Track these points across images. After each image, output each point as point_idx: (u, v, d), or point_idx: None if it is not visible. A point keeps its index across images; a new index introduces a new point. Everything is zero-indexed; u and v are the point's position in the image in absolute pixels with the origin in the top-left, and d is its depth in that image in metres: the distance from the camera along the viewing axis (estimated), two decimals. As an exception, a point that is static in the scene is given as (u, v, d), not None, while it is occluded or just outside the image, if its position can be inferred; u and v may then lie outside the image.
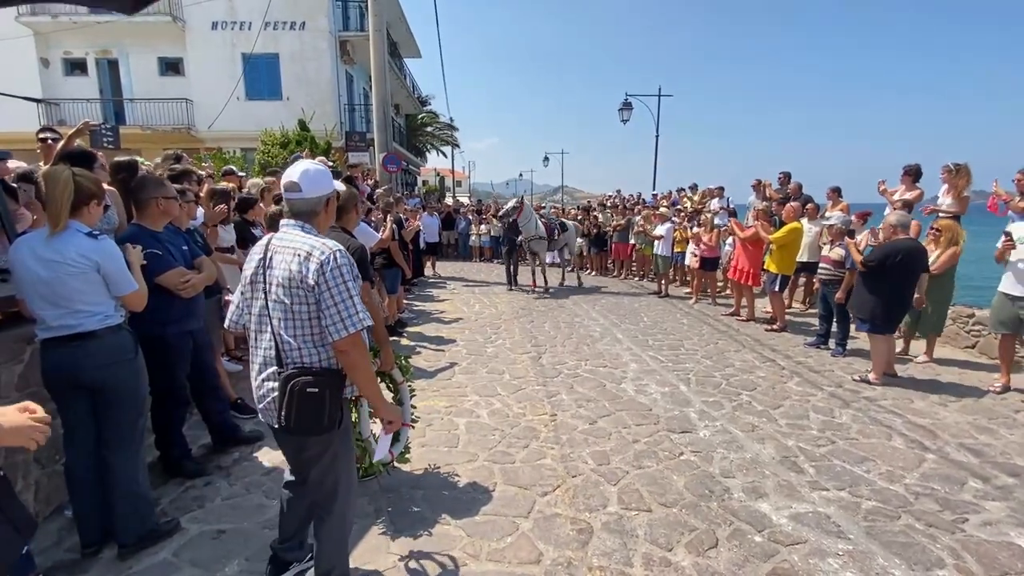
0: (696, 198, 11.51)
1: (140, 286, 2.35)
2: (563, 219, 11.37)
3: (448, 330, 6.87)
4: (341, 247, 1.74)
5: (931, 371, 5.19)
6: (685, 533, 2.61)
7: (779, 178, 8.90)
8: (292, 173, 1.77)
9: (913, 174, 6.37)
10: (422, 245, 10.96)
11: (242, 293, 1.87)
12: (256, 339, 1.82)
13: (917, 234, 5.44)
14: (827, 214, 7.45)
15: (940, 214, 6.03)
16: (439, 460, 3.35)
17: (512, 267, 9.94)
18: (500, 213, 9.50)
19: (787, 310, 7.38)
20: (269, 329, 1.76)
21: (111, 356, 2.27)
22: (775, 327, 6.86)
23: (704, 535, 2.59)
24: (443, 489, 3.02)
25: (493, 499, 2.90)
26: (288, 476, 2.09)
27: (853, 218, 6.77)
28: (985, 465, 3.31)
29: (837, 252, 5.65)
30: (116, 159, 3.77)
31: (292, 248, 1.71)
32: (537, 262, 9.87)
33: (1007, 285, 4.46)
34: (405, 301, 8.20)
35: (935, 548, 2.49)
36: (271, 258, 1.75)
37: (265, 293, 1.76)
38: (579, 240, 12.18)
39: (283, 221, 1.80)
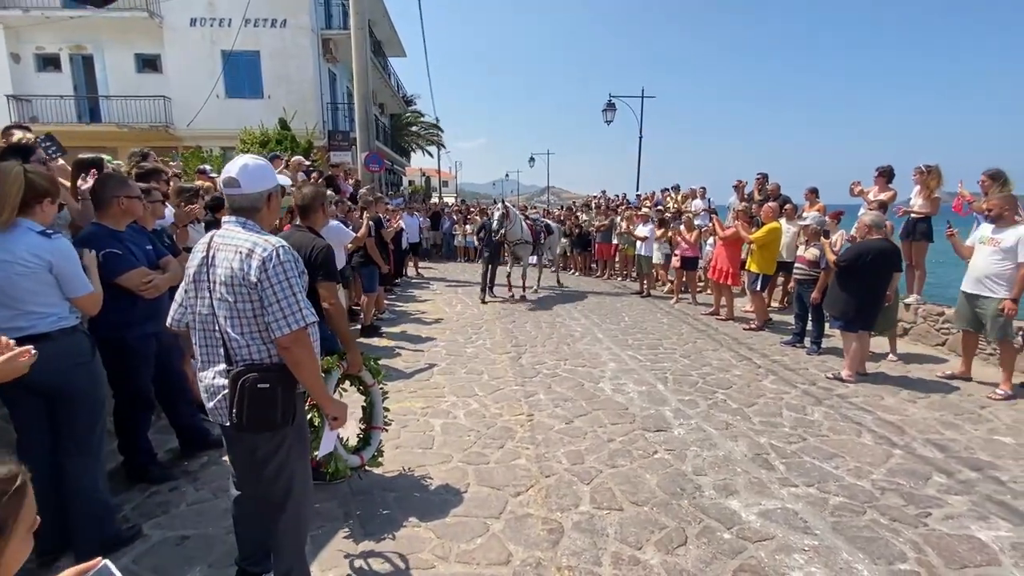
0: (679, 198, 11.61)
1: (95, 288, 2.28)
2: (548, 221, 10.97)
3: (429, 330, 6.83)
4: (284, 243, 1.72)
5: (902, 368, 5.29)
6: (655, 531, 2.62)
7: (756, 179, 9.00)
8: (231, 168, 1.74)
9: (886, 175, 6.49)
10: (404, 245, 10.89)
11: (185, 291, 1.85)
12: (202, 338, 1.80)
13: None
14: (804, 214, 7.56)
15: (912, 215, 6.17)
16: (412, 462, 3.32)
17: (490, 276, 9.16)
18: (494, 228, 8.58)
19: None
20: (216, 328, 1.74)
21: (66, 359, 2.20)
22: (753, 326, 6.94)
23: (674, 533, 2.60)
24: (415, 491, 2.99)
25: (465, 500, 2.89)
26: (234, 491, 2.03)
27: (827, 218, 6.87)
28: (950, 460, 3.38)
29: (812, 252, 5.74)
30: (80, 156, 3.68)
31: (233, 245, 1.69)
32: (519, 266, 9.37)
33: (965, 283, 4.65)
34: (386, 302, 8.13)
35: (898, 542, 2.53)
36: (213, 256, 1.73)
37: (210, 292, 1.73)
38: (563, 240, 12.17)
39: (224, 218, 1.77)
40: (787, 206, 7.69)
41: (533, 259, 9.98)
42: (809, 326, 5.96)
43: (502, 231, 8.60)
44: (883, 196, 6.36)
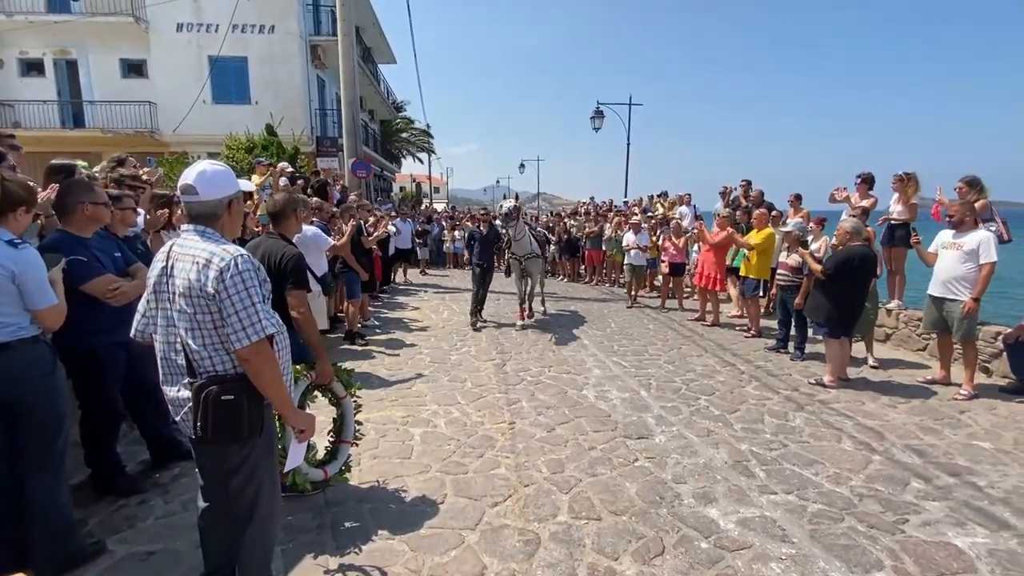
0: (667, 204, 11.66)
1: (59, 302, 2.21)
2: (543, 230, 9.78)
3: (413, 338, 6.78)
4: (243, 252, 1.68)
5: (883, 373, 5.31)
6: (632, 541, 2.59)
7: (741, 185, 9.07)
8: (188, 175, 1.71)
9: (868, 182, 6.56)
10: (391, 251, 10.82)
11: (147, 301, 1.81)
12: (163, 349, 1.76)
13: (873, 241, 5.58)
14: (788, 221, 7.62)
15: (892, 221, 6.24)
16: (390, 472, 3.26)
17: (482, 295, 7.48)
18: (498, 224, 7.31)
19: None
20: (177, 339, 1.71)
21: (25, 370, 2.14)
22: (752, 333, 6.94)
23: (651, 543, 2.57)
24: (391, 502, 2.93)
25: (441, 511, 2.84)
26: (201, 503, 1.98)
27: (812, 225, 6.89)
28: (928, 465, 3.38)
29: (794, 259, 5.78)
30: (53, 162, 3.63)
31: (191, 255, 1.66)
32: (528, 286, 7.64)
33: (931, 287, 4.80)
34: (371, 308, 8.06)
35: (875, 550, 2.52)
36: (172, 266, 1.69)
37: (169, 302, 1.70)
38: (551, 248, 11.90)
39: (183, 226, 1.74)
40: (773, 212, 7.74)
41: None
42: (792, 331, 5.99)
43: (507, 231, 7.22)
44: (865, 203, 6.43)
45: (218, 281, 1.60)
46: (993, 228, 5.07)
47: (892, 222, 6.17)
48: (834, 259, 4.92)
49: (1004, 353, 4.90)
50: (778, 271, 6.09)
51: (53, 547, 2.26)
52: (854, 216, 6.12)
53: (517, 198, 7.54)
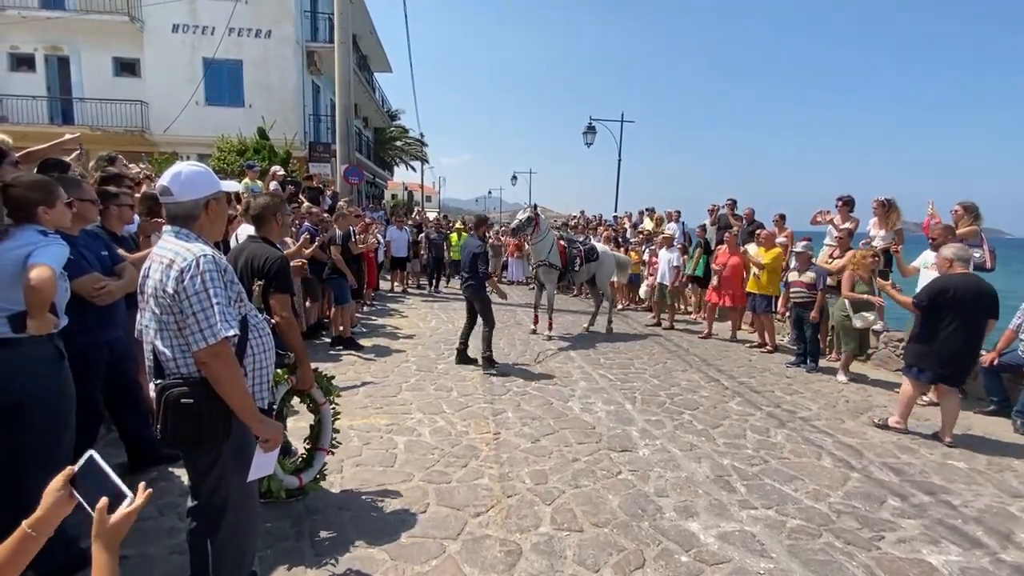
0: (655, 220, 11.80)
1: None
2: (594, 243, 8.66)
3: (400, 345, 6.75)
4: (208, 252, 1.65)
5: (863, 393, 5.40)
6: (614, 553, 2.59)
7: (727, 203, 9.22)
8: (165, 176, 1.72)
9: (849, 204, 6.71)
10: (380, 258, 10.77)
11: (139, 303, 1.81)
12: (147, 350, 1.74)
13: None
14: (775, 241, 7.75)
15: (873, 244, 6.38)
16: (372, 480, 3.24)
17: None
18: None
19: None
20: (149, 340, 1.70)
21: (31, 367, 2.11)
22: (768, 348, 7.07)
23: (632, 555, 2.58)
24: (372, 511, 2.91)
25: (423, 521, 2.82)
26: (189, 502, 1.96)
27: (807, 242, 7.00)
28: (904, 484, 3.44)
29: (808, 275, 6.09)
30: (46, 158, 3.59)
31: (160, 256, 1.66)
32: (544, 297, 7.65)
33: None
34: (359, 315, 8.01)
35: (851, 566, 2.56)
36: (149, 267, 1.69)
37: (145, 303, 1.70)
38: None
39: (164, 227, 1.74)
40: (763, 231, 7.88)
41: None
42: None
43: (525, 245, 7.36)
44: (849, 225, 6.57)
45: (178, 281, 1.58)
46: (978, 254, 5.20)
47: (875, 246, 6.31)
48: (927, 289, 4.22)
49: (979, 376, 5.01)
50: (792, 288, 6.27)
51: (59, 552, 2.19)
52: (840, 236, 6.28)
53: (535, 210, 7.56)
